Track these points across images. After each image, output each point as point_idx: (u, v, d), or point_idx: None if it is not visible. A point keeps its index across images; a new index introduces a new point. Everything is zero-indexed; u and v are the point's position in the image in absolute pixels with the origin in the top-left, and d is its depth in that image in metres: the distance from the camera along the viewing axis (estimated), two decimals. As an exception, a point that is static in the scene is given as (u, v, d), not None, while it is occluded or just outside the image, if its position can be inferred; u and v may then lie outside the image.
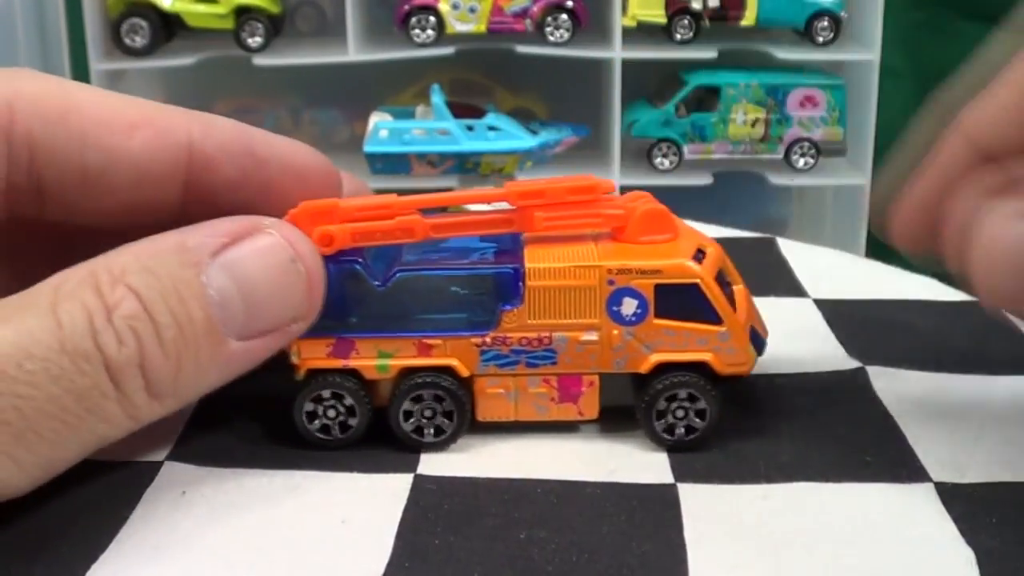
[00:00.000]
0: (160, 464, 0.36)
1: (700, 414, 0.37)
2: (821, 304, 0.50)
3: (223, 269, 0.32)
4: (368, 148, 1.42)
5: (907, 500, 0.35)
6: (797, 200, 1.71)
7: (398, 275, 0.36)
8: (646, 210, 0.37)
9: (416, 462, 0.37)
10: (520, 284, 0.36)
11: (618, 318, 0.36)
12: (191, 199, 0.36)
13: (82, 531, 0.32)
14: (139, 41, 1.48)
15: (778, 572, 0.31)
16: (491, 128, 1.45)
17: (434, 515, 0.34)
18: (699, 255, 0.37)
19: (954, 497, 0.35)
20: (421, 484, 0.35)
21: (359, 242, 0.36)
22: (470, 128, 1.45)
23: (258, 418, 0.39)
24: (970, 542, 0.32)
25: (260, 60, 1.48)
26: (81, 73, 1.50)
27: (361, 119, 1.53)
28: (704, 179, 1.50)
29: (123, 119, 0.34)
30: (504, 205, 0.37)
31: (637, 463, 0.37)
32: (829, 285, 0.52)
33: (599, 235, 0.38)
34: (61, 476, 0.35)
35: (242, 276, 0.32)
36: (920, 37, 1.57)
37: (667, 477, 0.36)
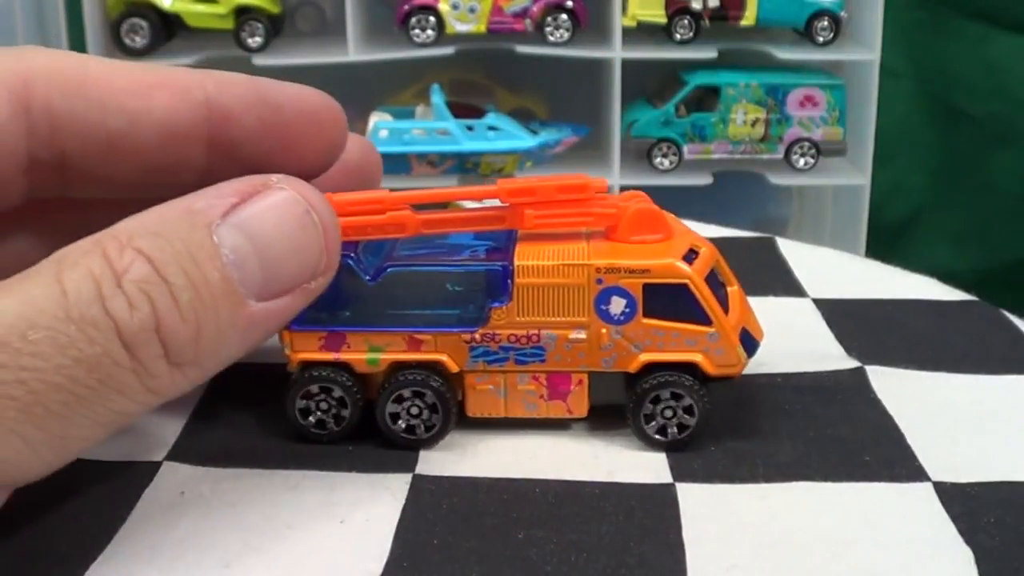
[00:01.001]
0: (159, 464, 0.36)
1: (688, 414, 0.37)
2: (820, 304, 0.50)
3: (235, 228, 0.31)
4: (368, 148, 1.42)
5: (906, 500, 0.35)
6: (797, 200, 1.71)
7: (388, 270, 0.37)
8: (637, 209, 0.37)
9: (415, 462, 0.37)
10: (508, 281, 0.36)
11: (606, 317, 0.36)
12: (215, 156, 0.35)
13: (81, 531, 0.32)
14: (139, 41, 1.48)
15: (776, 572, 0.31)
16: (491, 128, 1.45)
17: (433, 515, 0.34)
18: (691, 255, 0.37)
19: (953, 497, 0.35)
20: (420, 484, 0.35)
21: (351, 236, 0.36)
22: (470, 128, 1.45)
23: (257, 418, 0.39)
24: (969, 541, 0.32)
25: (260, 60, 1.48)
26: (81, 73, 1.50)
27: (361, 119, 1.52)
28: (704, 179, 1.50)
29: (140, 83, 0.34)
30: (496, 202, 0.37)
31: (636, 463, 0.37)
32: (828, 285, 0.52)
33: (592, 233, 0.38)
34: (59, 476, 0.35)
35: (256, 233, 0.31)
36: (920, 37, 1.57)
37: (666, 477, 0.36)
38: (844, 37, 1.50)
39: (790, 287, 0.52)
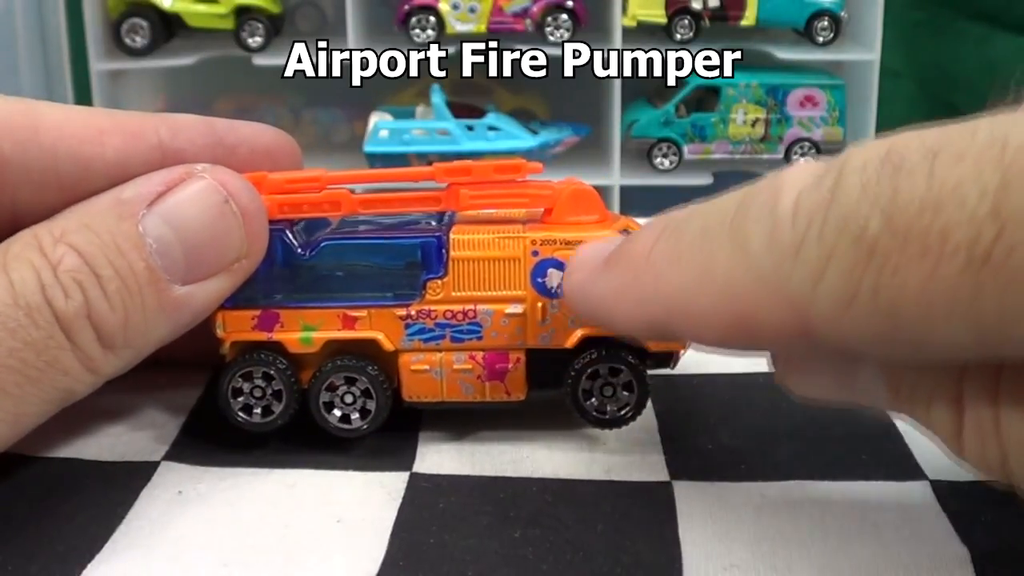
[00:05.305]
0: (156, 464, 0.36)
1: (627, 390, 0.37)
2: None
3: (159, 217, 0.33)
4: (368, 148, 1.42)
5: (903, 498, 0.35)
6: (797, 200, 1.71)
7: (323, 244, 0.37)
8: (573, 190, 0.37)
9: (412, 461, 0.37)
10: (444, 251, 0.36)
11: (543, 290, 0.37)
12: None
13: (79, 530, 0.32)
14: (139, 41, 1.48)
15: (774, 570, 0.31)
16: (491, 128, 1.45)
17: (429, 514, 0.34)
18: (626, 233, 0.37)
19: (950, 495, 0.35)
20: (416, 483, 0.35)
21: (287, 214, 0.36)
22: (470, 128, 1.45)
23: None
24: (965, 540, 0.32)
25: (260, 60, 1.48)
26: (81, 73, 1.50)
27: (361, 119, 1.52)
28: (704, 179, 1.50)
29: (92, 128, 0.35)
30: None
31: (632, 461, 0.37)
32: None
33: (529, 220, 0.38)
34: (58, 476, 0.35)
35: (178, 222, 0.33)
36: (920, 37, 1.57)
37: (662, 475, 0.36)
38: (844, 37, 1.50)
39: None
